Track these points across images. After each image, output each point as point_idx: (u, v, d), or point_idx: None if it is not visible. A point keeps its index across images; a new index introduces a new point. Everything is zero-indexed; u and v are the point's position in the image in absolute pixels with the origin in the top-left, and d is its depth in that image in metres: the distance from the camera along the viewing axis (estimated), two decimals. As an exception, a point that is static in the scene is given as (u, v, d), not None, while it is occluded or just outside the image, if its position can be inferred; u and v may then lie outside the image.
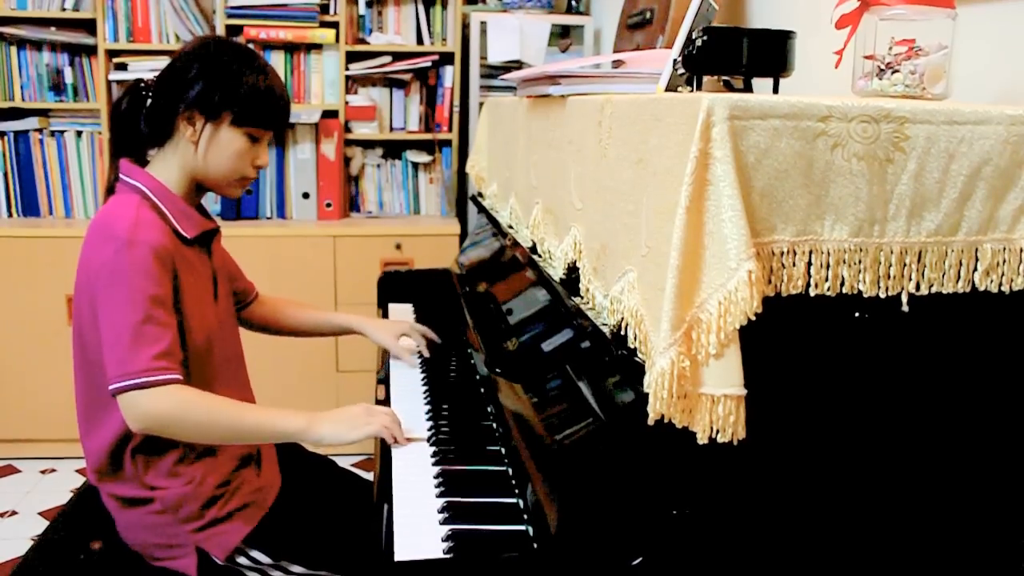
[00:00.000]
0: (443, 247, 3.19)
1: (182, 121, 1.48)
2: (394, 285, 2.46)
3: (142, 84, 1.55)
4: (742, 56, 1.06)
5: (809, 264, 0.93)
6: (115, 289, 1.36)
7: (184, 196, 1.52)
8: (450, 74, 3.39)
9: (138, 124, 1.54)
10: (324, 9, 3.24)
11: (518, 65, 3.27)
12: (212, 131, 1.48)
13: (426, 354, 1.89)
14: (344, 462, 1.92)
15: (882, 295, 0.96)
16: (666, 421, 0.89)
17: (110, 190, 1.52)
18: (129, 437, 1.46)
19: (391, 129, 3.44)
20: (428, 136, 3.43)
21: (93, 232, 1.43)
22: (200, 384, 1.43)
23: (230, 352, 1.64)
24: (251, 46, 3.23)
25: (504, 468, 1.36)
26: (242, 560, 1.49)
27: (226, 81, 1.47)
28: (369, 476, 1.59)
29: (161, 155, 1.53)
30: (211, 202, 3.32)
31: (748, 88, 1.14)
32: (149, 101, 1.54)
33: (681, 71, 1.11)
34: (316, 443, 1.44)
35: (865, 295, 0.95)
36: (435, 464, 1.37)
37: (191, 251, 1.51)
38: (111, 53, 3.22)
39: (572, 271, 1.34)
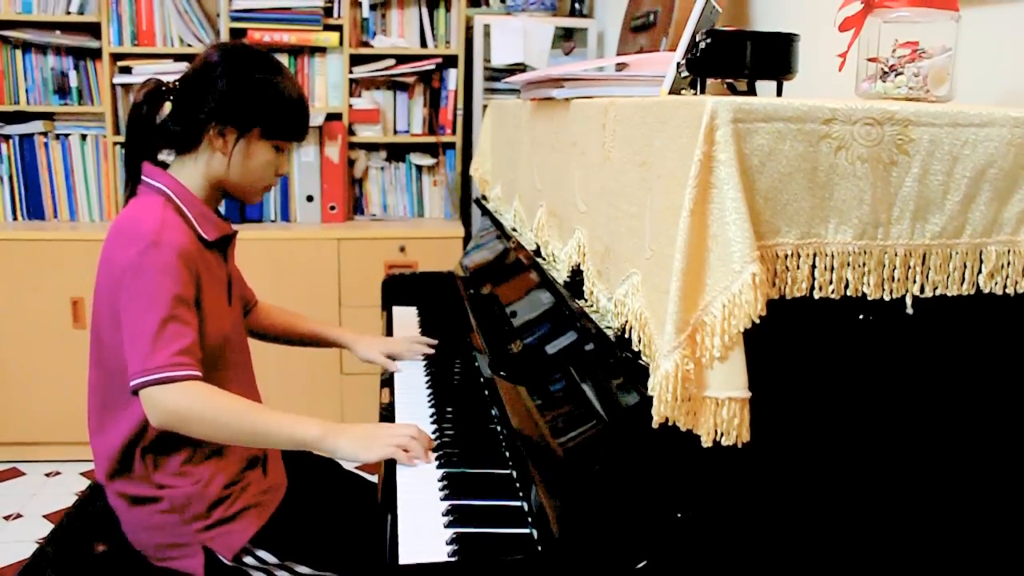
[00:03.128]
0: (447, 250, 3.19)
1: (214, 133, 1.49)
2: (398, 288, 2.47)
3: (163, 87, 1.55)
4: (746, 59, 1.06)
5: (813, 267, 0.93)
6: (139, 288, 1.38)
7: (205, 200, 1.54)
8: (454, 77, 3.39)
9: (155, 126, 1.55)
10: (328, 12, 3.25)
11: (522, 68, 3.27)
12: (245, 144, 1.51)
13: (418, 368, 1.89)
14: (349, 464, 1.91)
15: (886, 297, 0.95)
16: (670, 424, 0.89)
17: (132, 192, 1.53)
18: (140, 436, 1.47)
19: (395, 132, 3.45)
20: (432, 139, 3.44)
21: (117, 232, 1.45)
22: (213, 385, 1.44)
23: (240, 356, 1.65)
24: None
25: (508, 471, 1.36)
26: (249, 560, 1.49)
27: (259, 95, 1.50)
28: (374, 478, 1.60)
29: (185, 161, 1.54)
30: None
31: (752, 91, 1.14)
32: (171, 106, 1.55)
33: (685, 74, 1.11)
34: (330, 455, 1.42)
35: (869, 297, 0.95)
36: (439, 467, 1.38)
37: (211, 254, 1.53)
38: (116, 56, 3.23)
39: (576, 274, 1.34)
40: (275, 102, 1.51)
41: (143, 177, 1.52)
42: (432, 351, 1.93)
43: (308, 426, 1.41)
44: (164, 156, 1.59)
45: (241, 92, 1.49)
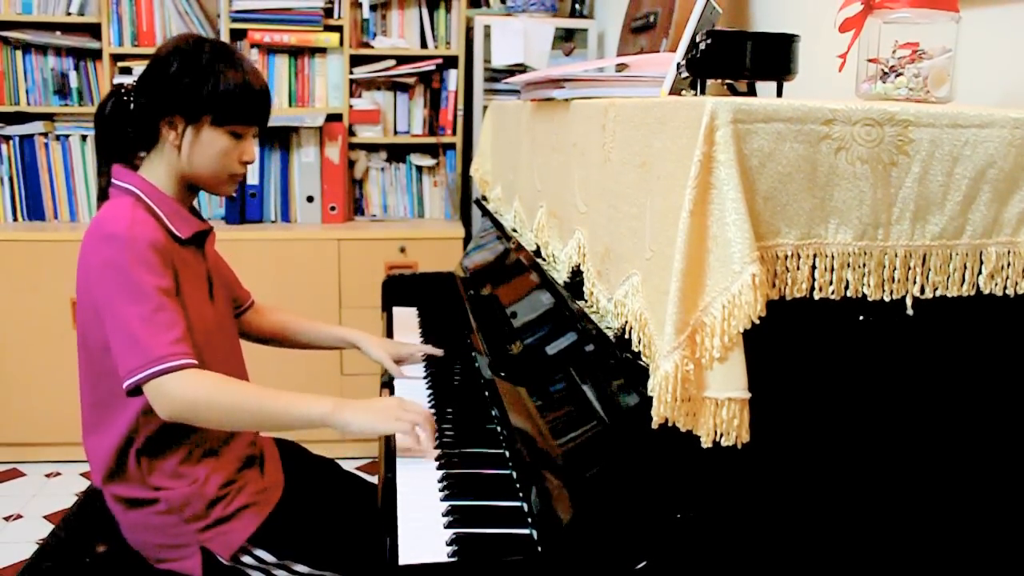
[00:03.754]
0: (447, 250, 3.19)
1: (164, 125, 1.49)
2: (398, 288, 2.47)
3: (123, 89, 1.55)
4: (745, 59, 1.06)
5: (813, 267, 0.93)
6: (122, 285, 1.37)
7: (176, 197, 1.53)
8: (454, 77, 3.40)
9: (124, 129, 1.54)
10: (328, 13, 3.25)
11: (522, 68, 3.27)
12: (193, 133, 1.49)
13: (418, 369, 1.88)
14: (348, 465, 1.92)
15: (886, 298, 0.95)
16: (670, 425, 0.89)
17: (103, 196, 1.53)
18: (133, 438, 1.47)
19: (395, 133, 3.45)
20: (432, 139, 3.44)
21: (90, 236, 1.44)
22: None
23: (229, 353, 1.64)
24: (255, 50, 3.24)
25: (508, 471, 1.36)
26: (247, 559, 1.49)
27: (201, 82, 1.47)
28: (373, 479, 1.60)
29: (150, 159, 1.53)
30: (216, 205, 3.33)
31: (752, 92, 1.14)
32: (132, 105, 1.54)
33: (685, 75, 1.11)
34: (341, 430, 1.39)
35: (869, 298, 0.95)
36: (439, 468, 1.37)
37: (186, 251, 1.52)
38: (116, 57, 3.23)
39: (576, 274, 1.34)
40: (219, 87, 1.48)
41: (113, 180, 1.51)
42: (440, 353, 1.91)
43: (318, 403, 1.40)
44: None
45: (185, 79, 1.47)
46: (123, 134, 1.55)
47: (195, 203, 1.63)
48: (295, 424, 1.43)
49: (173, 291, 1.42)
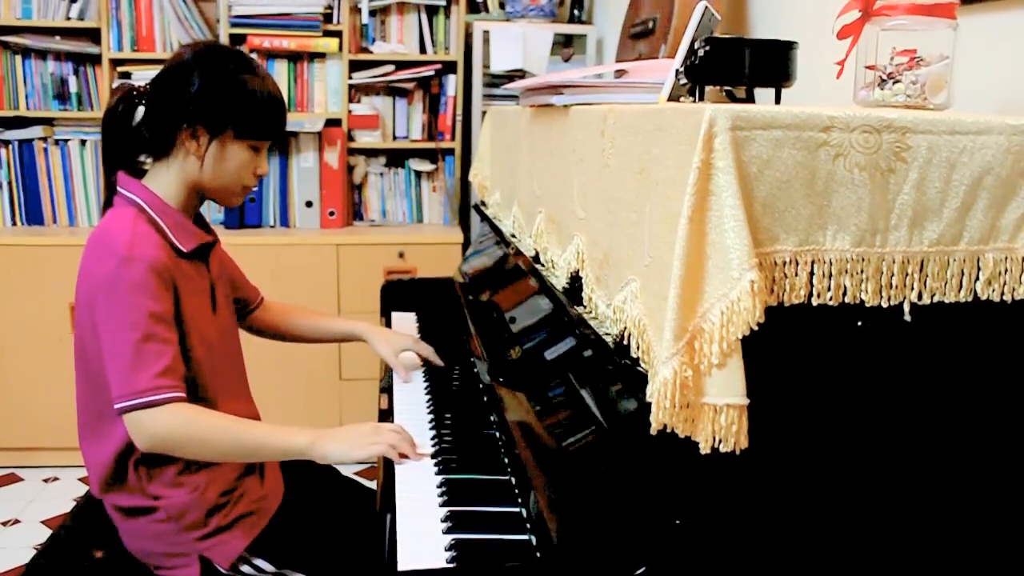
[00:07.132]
0: (446, 256, 3.20)
1: (186, 135, 1.46)
2: (397, 294, 2.47)
3: (134, 91, 1.52)
4: (744, 66, 1.06)
5: (811, 274, 0.93)
6: (115, 306, 1.36)
7: (182, 208, 1.51)
8: (453, 83, 3.40)
9: (132, 133, 1.52)
10: (327, 18, 3.26)
11: (521, 74, 3.28)
12: (218, 146, 1.47)
13: (417, 374, 1.87)
14: (347, 470, 1.92)
15: (884, 304, 0.96)
16: (668, 431, 0.89)
17: (108, 203, 1.52)
18: (133, 448, 1.46)
19: (394, 138, 3.45)
20: (431, 145, 3.44)
21: (92, 247, 1.43)
22: (203, 397, 1.43)
23: (231, 363, 1.64)
24: (254, 55, 3.24)
25: (507, 477, 1.36)
26: (246, 568, 1.49)
27: (230, 95, 1.46)
28: (372, 485, 1.60)
29: (161, 166, 1.50)
30: (214, 210, 3.33)
31: (750, 98, 1.14)
32: (143, 109, 1.52)
33: (683, 81, 1.12)
34: (322, 460, 1.41)
35: (867, 304, 0.95)
36: (438, 473, 1.37)
37: (189, 264, 1.50)
38: (115, 62, 3.23)
39: (575, 280, 1.34)
40: (247, 101, 1.47)
41: (118, 188, 1.49)
42: (440, 363, 1.89)
43: (297, 435, 1.40)
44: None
45: (211, 91, 1.45)
46: (131, 138, 1.52)
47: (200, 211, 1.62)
48: (274, 457, 1.45)
49: (170, 315, 1.40)
